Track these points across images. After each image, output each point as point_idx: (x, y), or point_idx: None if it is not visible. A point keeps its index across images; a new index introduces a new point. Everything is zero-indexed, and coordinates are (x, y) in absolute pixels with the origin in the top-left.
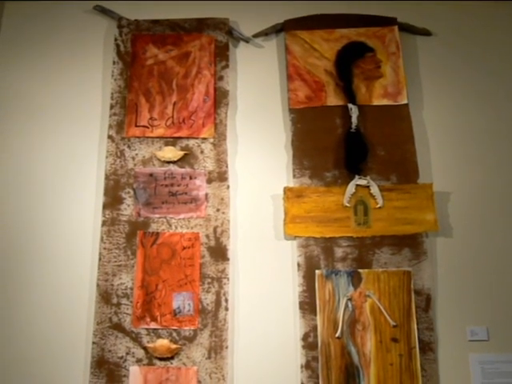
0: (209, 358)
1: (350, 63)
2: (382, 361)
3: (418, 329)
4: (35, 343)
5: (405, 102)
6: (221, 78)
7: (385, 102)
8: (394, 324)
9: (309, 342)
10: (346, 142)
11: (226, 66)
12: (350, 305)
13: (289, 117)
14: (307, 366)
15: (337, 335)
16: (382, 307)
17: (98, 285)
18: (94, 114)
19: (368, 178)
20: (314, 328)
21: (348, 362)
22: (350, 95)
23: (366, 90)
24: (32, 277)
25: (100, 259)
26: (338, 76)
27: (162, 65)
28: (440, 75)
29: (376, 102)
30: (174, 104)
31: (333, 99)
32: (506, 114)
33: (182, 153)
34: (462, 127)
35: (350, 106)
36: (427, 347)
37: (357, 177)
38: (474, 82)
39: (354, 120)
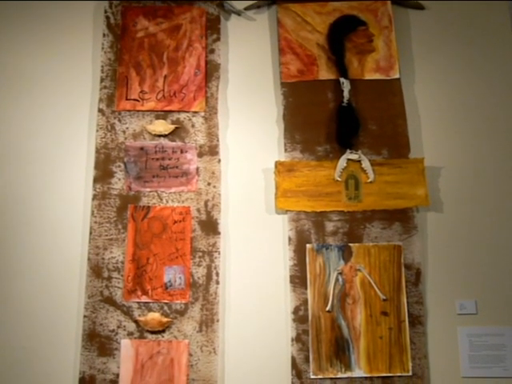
0: (200, 331)
1: (343, 37)
2: (371, 334)
3: (407, 302)
4: (26, 317)
5: (397, 76)
6: (212, 51)
7: (377, 76)
8: (384, 298)
9: (299, 316)
10: (338, 117)
11: (218, 39)
12: (340, 279)
13: (280, 91)
14: (298, 339)
15: (327, 309)
16: (372, 281)
17: (89, 259)
18: (84, 88)
19: (359, 152)
20: (305, 301)
21: (338, 335)
22: (342, 69)
23: (358, 64)
24: (23, 251)
25: (91, 233)
26: (330, 50)
27: (152, 37)
28: (432, 50)
29: (368, 77)
30: (165, 77)
31: (325, 73)
32: (498, 89)
33: (172, 126)
34: (454, 102)
35: (342, 80)
36: (416, 321)
37: (348, 151)
38: (466, 56)
39: (346, 94)
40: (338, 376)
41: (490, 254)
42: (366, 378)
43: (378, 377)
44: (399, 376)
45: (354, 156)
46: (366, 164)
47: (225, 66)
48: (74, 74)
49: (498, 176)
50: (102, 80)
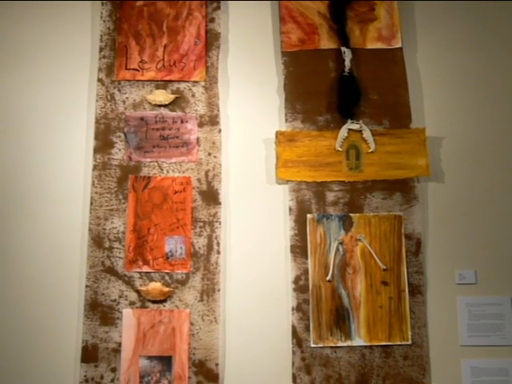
0: (201, 300)
1: (344, 5)
2: (371, 303)
3: (407, 272)
4: (29, 287)
5: (399, 45)
6: (212, 20)
7: (378, 45)
8: (384, 267)
9: (300, 285)
10: (339, 86)
11: (218, 8)
12: (340, 248)
13: (281, 60)
14: (298, 308)
15: (328, 278)
16: (372, 251)
17: (90, 229)
18: (83, 57)
19: (360, 122)
20: (305, 271)
21: (338, 304)
22: (343, 38)
23: (359, 33)
24: (24, 222)
25: (91, 203)
26: (331, 18)
27: (151, 6)
28: (435, 19)
29: (370, 46)
30: (165, 46)
31: (326, 42)
32: (501, 59)
33: (173, 96)
34: (456, 72)
35: (344, 49)
36: (416, 290)
37: (349, 121)
38: (468, 26)
39: (347, 63)
40: (338, 345)
41: (490, 224)
42: (365, 346)
43: (378, 345)
44: (398, 345)
45: (355, 126)
46: (367, 134)
47: (225, 35)
48: (72, 44)
49: (499, 147)
50: (101, 49)
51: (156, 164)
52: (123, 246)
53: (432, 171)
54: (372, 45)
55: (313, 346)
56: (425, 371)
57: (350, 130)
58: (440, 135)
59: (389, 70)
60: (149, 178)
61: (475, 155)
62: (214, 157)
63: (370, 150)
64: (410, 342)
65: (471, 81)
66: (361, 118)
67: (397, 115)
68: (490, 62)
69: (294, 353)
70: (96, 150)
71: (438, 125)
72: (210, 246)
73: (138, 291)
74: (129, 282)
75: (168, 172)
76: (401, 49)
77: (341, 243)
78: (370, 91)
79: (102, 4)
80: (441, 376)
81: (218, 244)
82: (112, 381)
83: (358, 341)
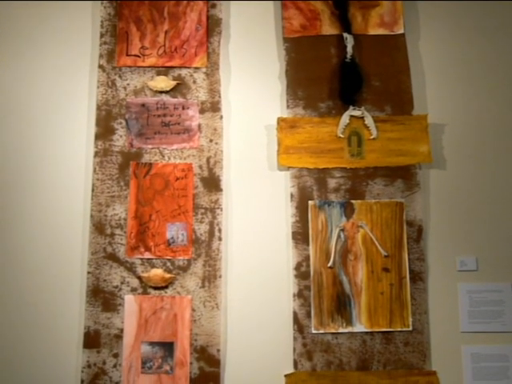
0: (203, 287)
1: None
2: (372, 290)
3: (409, 259)
4: (31, 274)
5: (401, 31)
6: (213, 6)
7: (381, 31)
8: (386, 254)
9: (301, 272)
10: (341, 72)
11: None
12: (342, 235)
13: (283, 46)
14: (299, 294)
15: (329, 265)
16: (374, 238)
17: (91, 215)
18: (84, 43)
19: (362, 108)
20: (307, 258)
21: (339, 290)
22: (345, 24)
23: (361, 18)
24: (25, 209)
25: (93, 190)
26: (333, 4)
27: None
28: (437, 5)
29: (372, 32)
30: (166, 32)
31: (328, 28)
32: (504, 46)
33: (174, 82)
34: (459, 59)
35: (346, 35)
36: (417, 277)
37: (351, 107)
38: (471, 12)
39: (350, 50)
40: (339, 331)
41: (492, 211)
42: (366, 332)
43: (379, 332)
44: (399, 331)
45: (357, 112)
46: (368, 120)
47: (226, 20)
48: (73, 30)
49: (501, 134)
50: (101, 35)
51: (157, 150)
52: (125, 232)
53: (434, 158)
54: (374, 31)
55: (314, 332)
56: (425, 357)
57: (351, 116)
58: (442, 122)
59: (391, 57)
60: (150, 164)
61: (477, 142)
62: (216, 143)
63: (372, 137)
64: (410, 329)
65: (474, 67)
66: (363, 105)
67: (399, 102)
68: (493, 49)
69: (295, 339)
70: (97, 137)
71: (440, 111)
72: (211, 233)
73: (139, 277)
74: (130, 268)
75: (169, 159)
76: (403, 35)
77: (342, 230)
78: (371, 77)
79: None
80: (441, 362)
81: (220, 230)
82: (114, 366)
83: (359, 327)
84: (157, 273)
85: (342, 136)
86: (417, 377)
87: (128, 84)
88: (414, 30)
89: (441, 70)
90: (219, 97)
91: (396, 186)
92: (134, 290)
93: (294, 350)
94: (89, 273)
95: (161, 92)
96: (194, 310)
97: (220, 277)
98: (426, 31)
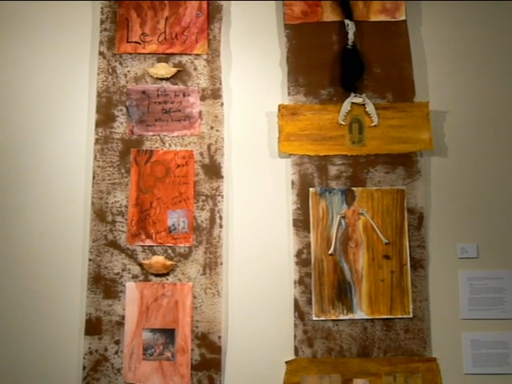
0: (204, 274)
1: None
2: (373, 277)
3: (409, 246)
4: (32, 261)
5: (403, 18)
6: None
7: (382, 17)
8: (387, 241)
9: (302, 259)
10: (342, 59)
11: None
12: (343, 222)
13: (284, 33)
14: (300, 281)
15: (330, 252)
16: (374, 225)
17: (92, 203)
18: (84, 30)
19: (364, 95)
20: (308, 245)
21: (340, 278)
22: (346, 10)
23: (363, 5)
24: (26, 196)
25: (94, 177)
26: None
27: None
28: None
29: (373, 18)
30: (166, 19)
31: (329, 14)
32: (506, 34)
33: (174, 69)
34: (461, 45)
35: (347, 21)
36: (418, 264)
37: (352, 94)
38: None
39: (351, 36)
40: (340, 318)
41: (493, 198)
42: (367, 319)
43: (379, 319)
44: (400, 318)
45: (358, 99)
46: (370, 108)
47: (227, 7)
48: (73, 16)
49: (502, 121)
50: (102, 22)
51: (158, 138)
52: (126, 219)
53: (435, 145)
54: (376, 17)
55: (315, 319)
56: (425, 344)
57: (353, 103)
58: (444, 109)
59: (392, 43)
60: (151, 151)
61: (478, 129)
62: (217, 130)
63: (373, 124)
64: (411, 316)
65: (476, 55)
66: (364, 92)
67: (400, 89)
68: (494, 36)
69: (296, 326)
70: (98, 124)
71: (441, 99)
72: (212, 220)
73: (140, 265)
74: (132, 255)
75: (170, 146)
76: (405, 21)
77: (343, 217)
78: (373, 64)
79: None
80: (441, 349)
81: (221, 218)
82: (116, 353)
83: (360, 314)
84: (158, 260)
85: (343, 123)
86: (417, 363)
87: (128, 71)
88: (416, 16)
89: (443, 56)
90: (220, 84)
91: (397, 173)
92: (135, 277)
93: (295, 336)
94: (90, 260)
95: (161, 79)
96: (195, 297)
97: (221, 264)
98: (428, 18)
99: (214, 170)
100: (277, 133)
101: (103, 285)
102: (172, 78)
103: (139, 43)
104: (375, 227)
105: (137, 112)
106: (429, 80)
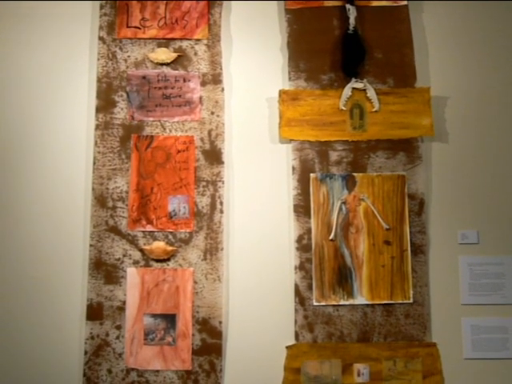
0: (204, 259)
1: None
2: (374, 262)
3: (410, 232)
4: (34, 247)
5: (404, 3)
6: None
7: (384, 2)
8: (387, 227)
9: (303, 244)
10: (343, 44)
11: None
12: (343, 208)
13: (285, 17)
14: (301, 267)
15: (330, 237)
16: (375, 211)
17: (93, 188)
18: (84, 15)
19: (365, 81)
20: (308, 230)
21: (341, 263)
22: None
23: None
24: (27, 182)
25: (94, 163)
26: None
27: None
28: None
29: (375, 3)
30: (166, 4)
31: None
32: (508, 19)
33: (175, 54)
34: (462, 31)
35: (348, 6)
36: (419, 250)
37: (353, 80)
38: None
39: (352, 21)
40: (341, 303)
41: (493, 184)
42: (367, 305)
43: (380, 304)
44: (400, 303)
45: (359, 85)
46: (371, 93)
47: None
48: (72, 1)
49: (503, 107)
50: (101, 7)
51: (159, 123)
52: (126, 205)
53: (436, 131)
54: (377, 2)
55: (315, 304)
56: (425, 329)
57: (353, 88)
58: (445, 95)
59: (394, 28)
60: (151, 137)
61: (480, 115)
62: (217, 116)
63: (374, 110)
64: (411, 301)
65: (477, 40)
66: (365, 77)
67: (401, 74)
68: (496, 22)
69: (296, 311)
70: (98, 110)
71: (442, 84)
72: (213, 206)
73: (141, 250)
74: (132, 241)
75: (171, 131)
76: (406, 6)
77: (344, 203)
78: (374, 49)
79: None
80: (441, 334)
81: (221, 203)
82: (117, 338)
83: (360, 299)
84: (159, 245)
85: (344, 108)
86: (417, 348)
87: (128, 56)
88: (418, 1)
89: (444, 42)
90: (220, 69)
91: (398, 158)
92: (136, 262)
93: (296, 322)
94: (91, 245)
95: (162, 64)
96: (195, 282)
97: (222, 249)
98: (430, 2)
99: (214, 156)
100: (277, 118)
101: (104, 270)
102: (172, 63)
103: (139, 28)
104: (376, 213)
105: (137, 97)
106: (430, 65)
